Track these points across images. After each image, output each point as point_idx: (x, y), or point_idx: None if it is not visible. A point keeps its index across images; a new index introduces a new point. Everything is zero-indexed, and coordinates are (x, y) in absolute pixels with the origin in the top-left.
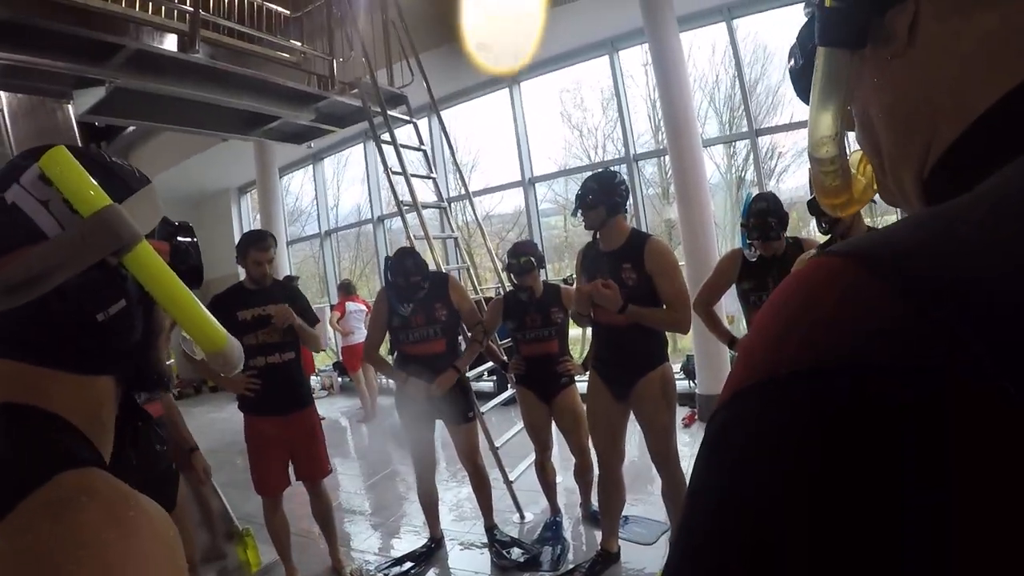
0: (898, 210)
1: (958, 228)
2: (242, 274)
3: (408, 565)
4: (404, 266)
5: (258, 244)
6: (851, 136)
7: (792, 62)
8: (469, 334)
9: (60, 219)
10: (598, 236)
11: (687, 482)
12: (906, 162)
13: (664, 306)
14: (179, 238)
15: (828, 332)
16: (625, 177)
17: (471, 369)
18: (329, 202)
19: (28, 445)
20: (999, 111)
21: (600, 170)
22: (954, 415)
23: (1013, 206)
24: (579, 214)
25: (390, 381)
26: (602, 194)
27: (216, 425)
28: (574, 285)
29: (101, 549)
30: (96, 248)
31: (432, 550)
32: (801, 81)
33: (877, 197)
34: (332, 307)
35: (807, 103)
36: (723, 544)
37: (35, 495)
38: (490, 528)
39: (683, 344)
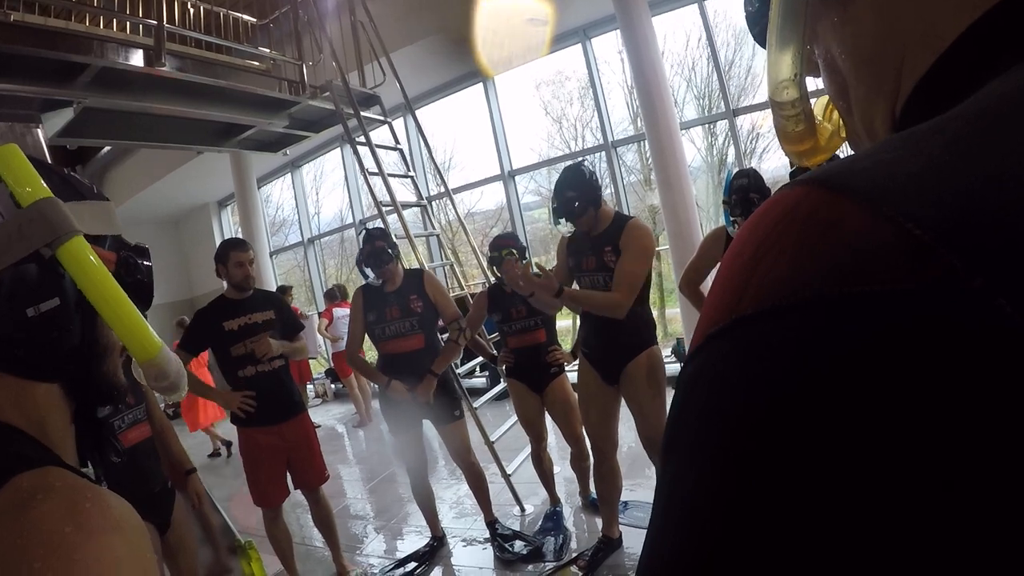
0: None
1: (929, 142)
2: (226, 288)
3: (412, 565)
4: (371, 234)
5: (238, 246)
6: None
7: (749, 6)
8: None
9: (3, 212)
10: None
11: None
12: (875, 100)
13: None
14: (130, 255)
15: (796, 262)
16: (591, 167)
17: (461, 365)
18: (310, 209)
19: None
20: (971, 36)
21: (567, 170)
22: (947, 339)
23: (988, 118)
24: (563, 222)
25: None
26: (585, 196)
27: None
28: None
29: (60, 545)
30: (30, 238)
31: (435, 548)
32: (758, 25)
33: (845, 146)
34: (320, 314)
35: (765, 48)
36: (708, 498)
37: None
38: (491, 523)
39: (673, 329)
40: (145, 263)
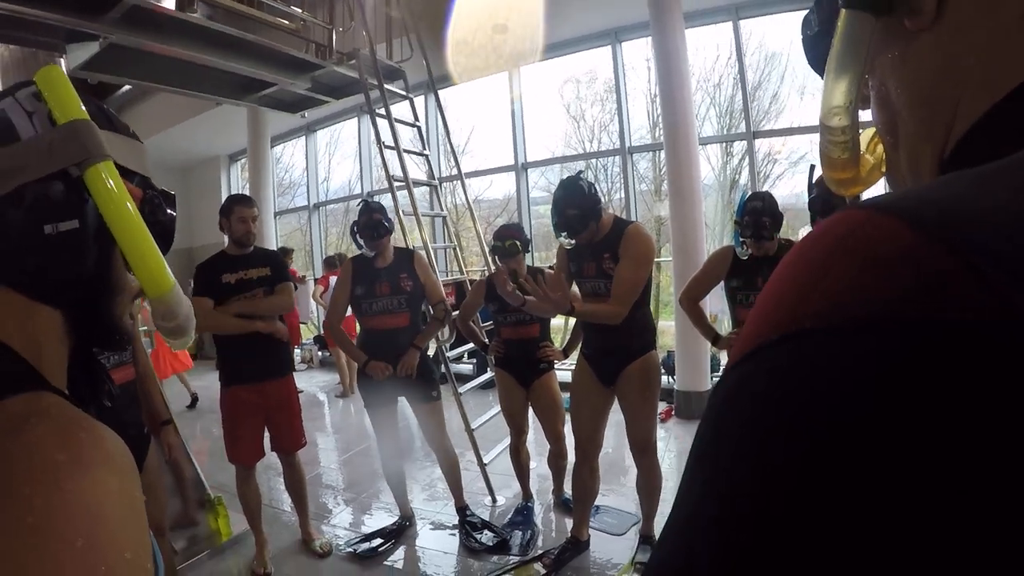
0: None
1: (1000, 181)
2: (227, 243)
3: (378, 541)
4: (369, 205)
5: (243, 201)
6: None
7: (808, 29)
8: (431, 311)
9: (38, 129)
10: None
11: (661, 475)
12: (926, 139)
13: (613, 284)
14: (156, 195)
15: (856, 282)
16: (589, 181)
17: (451, 349)
18: (320, 175)
19: None
20: None
21: (566, 186)
22: (1008, 374)
23: None
24: (564, 236)
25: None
26: (585, 212)
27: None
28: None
29: (51, 472)
30: (60, 155)
31: (402, 528)
32: (815, 50)
33: (883, 182)
34: (316, 280)
35: (819, 73)
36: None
37: None
38: (461, 509)
39: (664, 342)
40: (170, 209)
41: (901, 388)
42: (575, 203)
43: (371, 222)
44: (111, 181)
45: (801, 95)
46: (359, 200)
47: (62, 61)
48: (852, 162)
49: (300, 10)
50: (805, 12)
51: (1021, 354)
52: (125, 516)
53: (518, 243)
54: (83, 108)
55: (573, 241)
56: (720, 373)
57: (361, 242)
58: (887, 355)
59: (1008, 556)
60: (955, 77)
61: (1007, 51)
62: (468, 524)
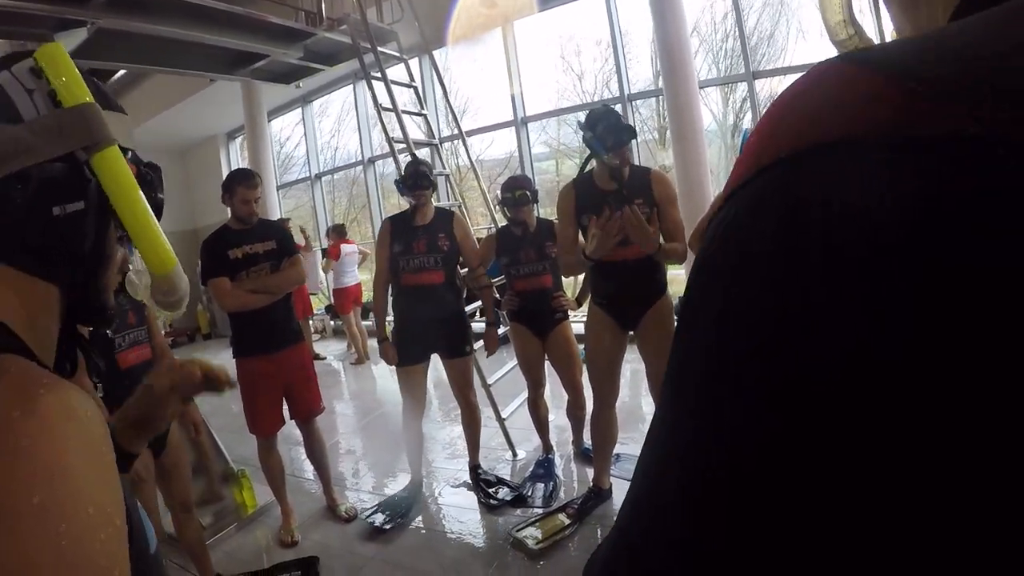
0: None
1: (951, 30)
2: (229, 217)
3: (400, 502)
4: (416, 160)
5: (246, 182)
6: None
7: None
8: (464, 274)
9: (40, 109)
10: (593, 174)
11: None
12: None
13: (664, 231)
14: (148, 172)
15: (816, 115)
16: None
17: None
18: (319, 145)
19: None
20: None
21: (608, 110)
22: (945, 180)
23: (1012, 11)
24: (609, 154)
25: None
26: (631, 130)
27: None
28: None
29: (5, 429)
30: (70, 139)
31: (413, 494)
32: None
33: None
34: (325, 250)
35: None
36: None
37: None
38: (474, 467)
39: (675, 289)
40: (159, 180)
41: (833, 206)
42: (612, 116)
43: (417, 172)
44: (119, 165)
45: (800, 35)
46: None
47: None
48: None
49: None
50: None
51: (947, 165)
52: (87, 472)
53: (528, 193)
54: (87, 90)
55: (617, 162)
56: None
57: (406, 191)
58: (814, 176)
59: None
60: None
61: None
62: (483, 482)
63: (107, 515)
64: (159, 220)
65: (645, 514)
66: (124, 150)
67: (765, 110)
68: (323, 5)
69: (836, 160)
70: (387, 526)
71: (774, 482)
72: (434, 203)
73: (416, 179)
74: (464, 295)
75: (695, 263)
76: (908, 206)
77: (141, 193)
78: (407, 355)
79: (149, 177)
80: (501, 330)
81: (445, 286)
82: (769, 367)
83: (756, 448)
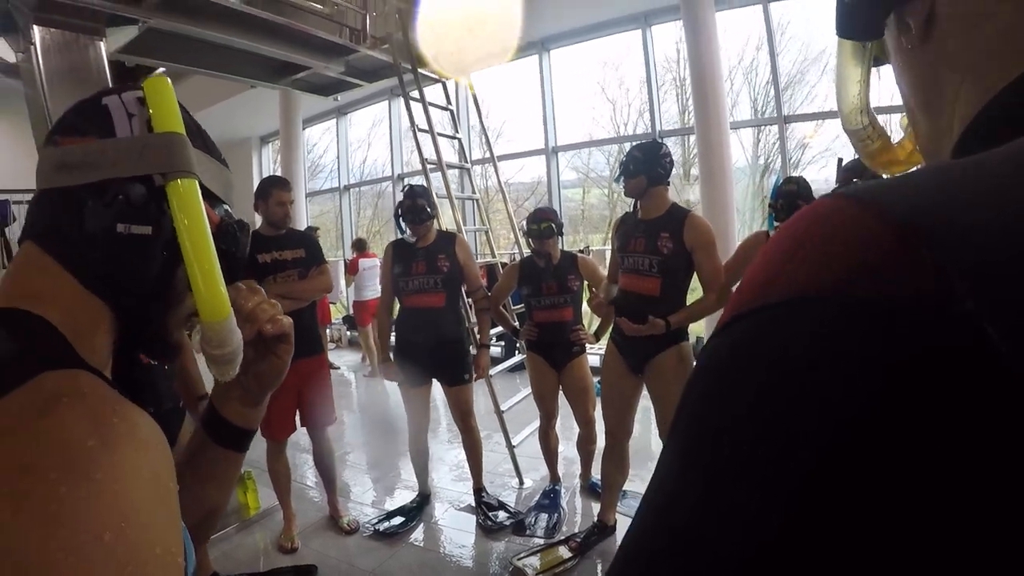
0: None
1: (961, 172)
2: (258, 223)
3: (398, 520)
4: (413, 190)
5: (281, 185)
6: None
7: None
8: (469, 300)
9: (134, 132)
10: (638, 206)
11: None
12: (939, 136)
13: (700, 279)
14: (233, 225)
15: (814, 263)
16: (668, 149)
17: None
18: (350, 157)
19: (13, 345)
20: (1017, 87)
21: (647, 142)
22: (933, 360)
23: (1015, 160)
24: (621, 180)
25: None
26: (644, 164)
27: None
28: (590, 255)
29: (81, 459)
30: (149, 161)
31: (421, 505)
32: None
33: None
34: (346, 263)
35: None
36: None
37: (15, 394)
38: (478, 490)
39: (695, 327)
40: (244, 240)
41: (821, 360)
42: (644, 150)
43: (414, 207)
44: (191, 196)
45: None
46: (404, 187)
47: (102, 44)
48: (886, 146)
49: None
50: None
51: (936, 341)
52: (156, 508)
53: (553, 225)
54: (181, 123)
55: (622, 186)
56: None
57: (404, 226)
58: (819, 330)
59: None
60: (946, 86)
61: (990, 63)
62: (484, 504)
63: (172, 555)
64: (232, 278)
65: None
66: (215, 199)
67: (775, 235)
68: (367, 23)
69: (828, 315)
70: (390, 531)
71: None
72: (464, 226)
73: (414, 214)
74: (471, 320)
75: (699, 357)
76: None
77: (209, 234)
78: (408, 377)
79: (232, 230)
80: (518, 357)
81: (446, 310)
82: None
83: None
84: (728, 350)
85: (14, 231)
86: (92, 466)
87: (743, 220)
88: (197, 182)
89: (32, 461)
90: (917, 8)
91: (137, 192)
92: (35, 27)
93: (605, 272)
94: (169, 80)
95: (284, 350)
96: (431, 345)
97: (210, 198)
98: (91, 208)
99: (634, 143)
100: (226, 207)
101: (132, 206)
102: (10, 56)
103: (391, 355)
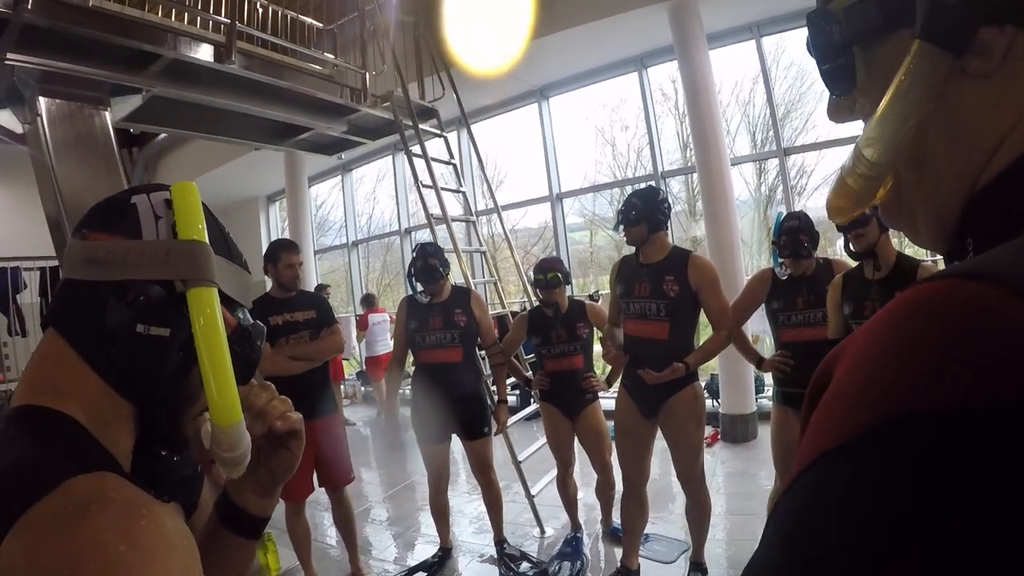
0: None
1: None
2: (269, 285)
3: (429, 567)
4: (424, 249)
5: (290, 248)
6: None
7: (821, 35)
8: (484, 353)
9: (160, 235)
10: (639, 250)
11: (710, 502)
12: (957, 176)
13: (708, 317)
14: (248, 329)
15: (991, 363)
16: (666, 194)
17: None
18: (357, 212)
19: (38, 448)
20: None
21: (644, 188)
22: None
23: None
24: (620, 229)
25: (406, 390)
26: (645, 211)
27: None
28: (599, 302)
29: (114, 563)
30: (172, 267)
31: (443, 560)
32: (836, 74)
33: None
34: (357, 319)
35: (831, 88)
36: None
37: (44, 502)
38: (499, 542)
39: (708, 364)
40: (259, 343)
41: (978, 501)
42: (643, 197)
43: (427, 267)
44: (209, 304)
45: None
46: (415, 248)
47: (107, 113)
48: (857, 197)
49: (333, 56)
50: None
51: None
52: None
53: (560, 275)
54: (204, 231)
55: (622, 235)
56: (765, 394)
57: (418, 286)
58: (958, 451)
59: None
60: (1001, 122)
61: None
62: (507, 556)
63: None
64: (244, 379)
65: None
66: (232, 303)
67: (861, 345)
68: (367, 82)
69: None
70: None
71: None
72: (472, 279)
73: (427, 274)
74: (487, 373)
75: (787, 505)
76: None
77: (224, 341)
78: (426, 434)
79: (248, 334)
80: (533, 406)
81: (463, 365)
82: None
83: None
84: (830, 505)
85: (24, 297)
86: (125, 570)
87: (750, 253)
88: (216, 290)
89: (67, 569)
90: (1004, 31)
91: (158, 295)
92: (41, 99)
93: None
94: (195, 185)
95: (295, 444)
96: (450, 400)
97: (228, 302)
98: (113, 306)
99: (634, 188)
100: (243, 310)
101: (152, 308)
102: (17, 127)
103: (397, 415)
